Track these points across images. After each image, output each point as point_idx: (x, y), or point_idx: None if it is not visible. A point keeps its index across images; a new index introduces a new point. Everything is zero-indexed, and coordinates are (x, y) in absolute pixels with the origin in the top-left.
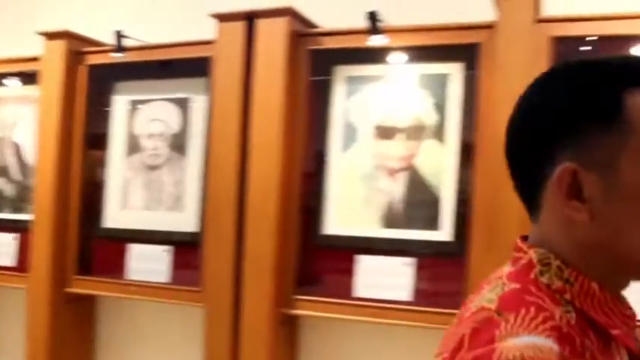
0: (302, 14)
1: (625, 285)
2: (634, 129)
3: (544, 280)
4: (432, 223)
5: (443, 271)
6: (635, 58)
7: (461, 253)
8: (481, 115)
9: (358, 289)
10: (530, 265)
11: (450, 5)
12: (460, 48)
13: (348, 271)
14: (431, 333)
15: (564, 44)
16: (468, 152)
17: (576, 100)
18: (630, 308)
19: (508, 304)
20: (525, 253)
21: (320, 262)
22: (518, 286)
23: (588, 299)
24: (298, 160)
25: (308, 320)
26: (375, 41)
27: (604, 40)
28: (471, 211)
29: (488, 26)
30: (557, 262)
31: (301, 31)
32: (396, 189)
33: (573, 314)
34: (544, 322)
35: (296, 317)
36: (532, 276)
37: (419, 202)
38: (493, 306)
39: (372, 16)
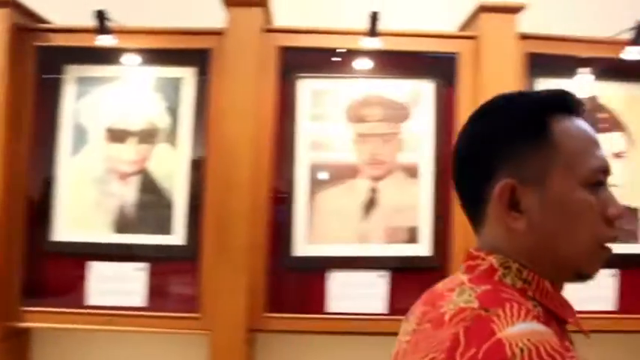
0: (28, 7)
1: (563, 283)
2: (560, 149)
3: (507, 281)
4: (165, 227)
5: (176, 275)
6: (558, 89)
7: (193, 256)
8: (211, 121)
9: (91, 297)
10: (491, 269)
11: (186, 9)
12: (193, 52)
13: (79, 279)
14: (165, 338)
15: (290, 54)
16: (199, 156)
17: (511, 127)
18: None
19: (490, 301)
20: (484, 259)
21: (50, 270)
22: (489, 287)
23: (544, 295)
24: (24, 162)
25: (42, 332)
26: (104, 41)
27: (325, 51)
28: (203, 215)
29: (218, 32)
30: (516, 265)
31: (26, 25)
32: (127, 193)
33: (540, 308)
34: (527, 312)
35: (26, 330)
36: (496, 278)
37: (151, 207)
38: (475, 305)
39: (100, 15)
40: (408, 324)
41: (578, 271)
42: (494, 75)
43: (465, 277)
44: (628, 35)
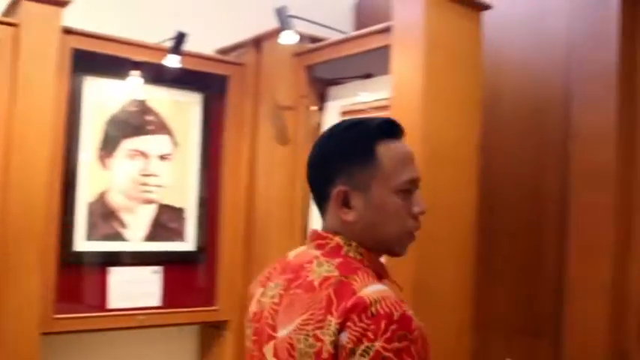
0: None
1: (394, 255)
2: (380, 166)
3: (351, 254)
4: None
5: None
6: (384, 119)
7: None
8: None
9: None
10: (338, 246)
11: None
12: None
13: None
14: None
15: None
16: None
17: (347, 149)
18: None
19: (346, 270)
20: (331, 239)
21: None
22: (341, 260)
23: (373, 263)
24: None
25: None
26: None
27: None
28: None
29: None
30: (355, 243)
31: None
32: None
33: (372, 271)
34: (373, 277)
35: None
36: (343, 253)
37: None
38: (336, 274)
39: None
40: (270, 289)
41: (391, 250)
42: (33, 65)
43: (317, 252)
44: (170, 43)
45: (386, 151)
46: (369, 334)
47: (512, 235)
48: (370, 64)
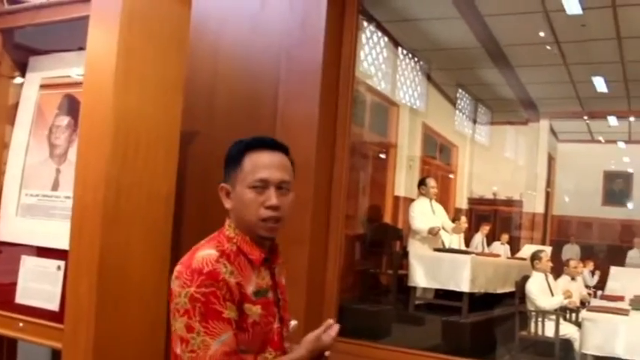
0: None
1: (262, 238)
2: (242, 170)
3: (228, 232)
4: None
5: None
6: (259, 137)
7: None
8: None
9: None
10: (224, 226)
11: None
12: None
13: None
14: None
15: None
16: None
17: (228, 157)
18: (272, 251)
19: (207, 241)
20: (226, 221)
21: None
22: (215, 234)
23: (242, 241)
24: None
25: None
26: None
27: None
28: None
29: None
30: (233, 225)
31: None
32: None
33: (234, 247)
34: (217, 246)
35: None
36: (224, 230)
37: None
38: (201, 243)
39: None
40: None
41: (256, 232)
42: None
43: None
44: None
45: (249, 159)
46: (187, 282)
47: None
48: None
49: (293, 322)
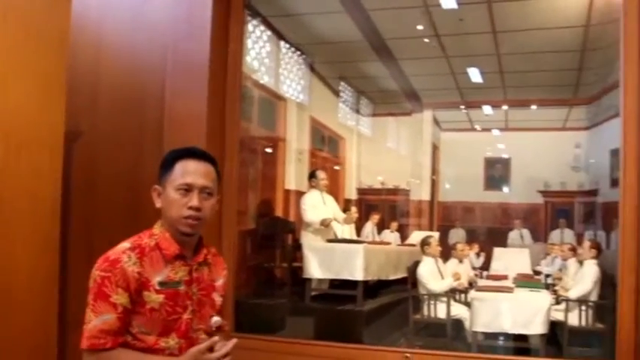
0: None
1: (183, 236)
2: (171, 174)
3: (154, 230)
4: None
5: None
6: (189, 147)
7: None
8: None
9: None
10: (155, 225)
11: None
12: None
13: None
14: None
15: None
16: None
17: (163, 163)
18: (198, 252)
19: (133, 237)
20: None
21: None
22: (146, 230)
23: (162, 238)
24: None
25: None
26: None
27: None
28: None
29: None
30: (160, 223)
31: None
32: None
33: (153, 242)
34: (134, 241)
35: None
36: (152, 228)
37: None
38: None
39: None
40: None
41: (179, 230)
42: None
43: None
44: None
45: (179, 165)
46: (97, 266)
47: (112, 220)
48: None
49: (215, 319)
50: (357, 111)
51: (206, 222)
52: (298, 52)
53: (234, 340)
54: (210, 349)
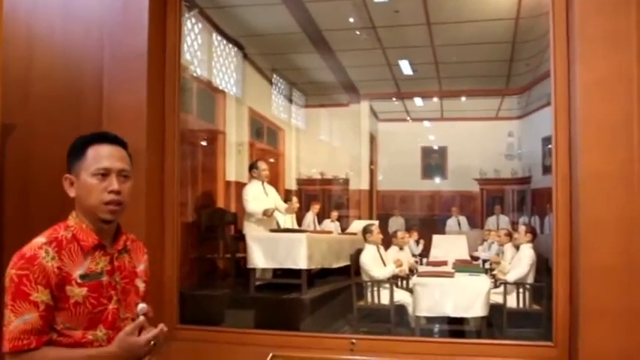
0: None
1: (102, 223)
2: (86, 160)
3: (69, 222)
4: None
5: None
6: (102, 132)
7: None
8: None
9: None
10: (69, 217)
11: None
12: None
13: None
14: None
15: None
16: None
17: (73, 149)
18: (116, 240)
19: (48, 229)
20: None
21: None
22: (60, 223)
23: (78, 229)
24: None
25: None
26: None
27: None
28: None
29: None
30: (74, 214)
31: None
32: None
33: (70, 234)
34: (50, 234)
35: None
36: (67, 220)
37: None
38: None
39: None
40: None
41: (98, 217)
42: None
43: None
44: None
45: (92, 150)
46: (12, 264)
47: (47, 215)
48: None
49: (141, 305)
50: (293, 102)
51: (126, 207)
52: (231, 45)
53: (161, 325)
54: (139, 332)
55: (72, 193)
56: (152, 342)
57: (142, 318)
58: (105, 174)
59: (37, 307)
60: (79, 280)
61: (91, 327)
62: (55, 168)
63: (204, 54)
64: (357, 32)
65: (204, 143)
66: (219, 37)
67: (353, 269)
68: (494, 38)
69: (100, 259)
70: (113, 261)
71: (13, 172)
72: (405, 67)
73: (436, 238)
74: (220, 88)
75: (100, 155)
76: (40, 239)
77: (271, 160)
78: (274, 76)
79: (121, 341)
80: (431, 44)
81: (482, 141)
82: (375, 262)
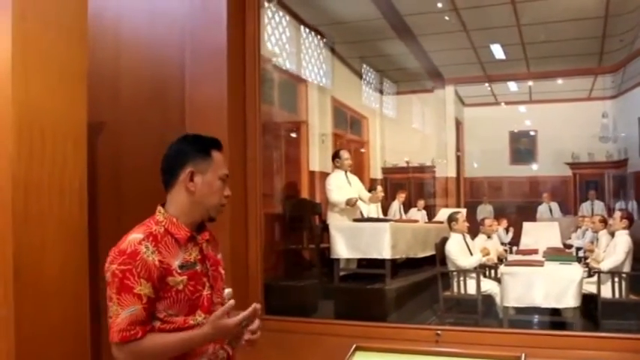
0: None
1: (203, 219)
2: (214, 163)
3: (158, 217)
4: None
5: None
6: (214, 138)
7: None
8: None
9: None
10: (156, 213)
11: None
12: None
13: None
14: None
15: None
16: None
17: (198, 147)
18: (202, 232)
19: (139, 226)
20: (158, 208)
21: None
22: (148, 220)
23: (169, 223)
24: None
25: None
26: None
27: None
28: None
29: None
30: (163, 211)
31: None
32: None
33: (162, 229)
34: (145, 230)
35: None
36: (155, 216)
37: None
38: (135, 227)
39: None
40: None
41: (209, 215)
42: None
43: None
44: None
45: (215, 154)
46: (113, 260)
47: (139, 209)
48: None
49: (227, 290)
50: (380, 90)
51: None
52: (319, 35)
53: (254, 305)
54: (228, 315)
55: (192, 187)
56: (243, 323)
57: (231, 302)
58: (224, 180)
59: (140, 300)
60: (178, 270)
61: (190, 313)
62: (143, 162)
63: (290, 45)
64: (446, 18)
65: (287, 134)
66: (302, 27)
67: (438, 258)
68: (585, 14)
69: (192, 249)
70: (202, 251)
71: (105, 168)
72: (497, 50)
73: (527, 226)
74: (304, 78)
75: (222, 161)
76: (136, 235)
77: (362, 150)
78: (362, 65)
79: (213, 323)
80: (517, 24)
81: (574, 123)
82: (461, 251)
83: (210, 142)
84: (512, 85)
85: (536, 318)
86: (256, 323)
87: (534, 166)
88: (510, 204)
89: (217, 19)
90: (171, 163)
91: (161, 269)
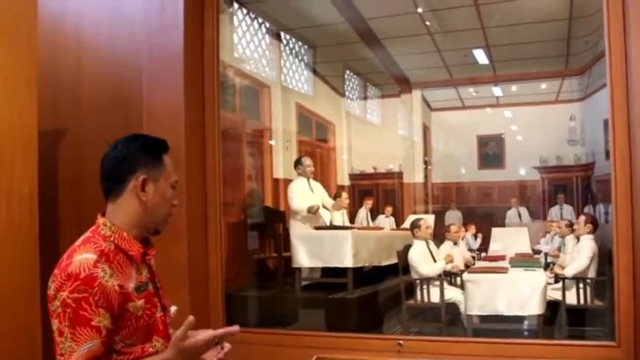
0: None
1: (149, 233)
2: (166, 169)
3: (104, 232)
4: None
5: None
6: (163, 139)
7: None
8: None
9: None
10: (98, 225)
11: None
12: None
13: None
14: None
15: None
16: None
17: (150, 151)
18: (149, 246)
19: (83, 242)
20: (101, 221)
21: None
22: (90, 235)
23: (119, 239)
24: None
25: None
26: None
27: None
28: None
29: None
30: (109, 224)
31: None
32: None
33: (112, 246)
34: (95, 248)
35: None
36: (99, 230)
37: None
38: (77, 244)
39: None
40: None
41: (156, 228)
42: None
43: (91, 229)
44: None
45: (166, 159)
46: (62, 286)
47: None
48: None
49: (173, 308)
50: (346, 96)
51: None
52: (284, 40)
53: (235, 327)
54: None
55: (143, 196)
56: (216, 341)
57: (190, 318)
58: (175, 187)
59: (99, 333)
60: (135, 294)
61: (147, 339)
62: None
63: (255, 50)
64: (427, 23)
65: (250, 140)
66: (265, 30)
67: (401, 266)
68: (550, 16)
69: (142, 267)
70: (151, 268)
71: (66, 174)
72: (480, 56)
73: (495, 232)
74: (267, 83)
75: (172, 167)
76: (88, 255)
77: (329, 156)
78: (328, 70)
79: (178, 346)
80: (481, 26)
81: (542, 127)
82: (424, 258)
83: (161, 145)
84: (480, 89)
85: (501, 326)
86: (227, 347)
87: (502, 171)
88: (479, 209)
89: (174, 23)
90: (119, 168)
91: (121, 295)
